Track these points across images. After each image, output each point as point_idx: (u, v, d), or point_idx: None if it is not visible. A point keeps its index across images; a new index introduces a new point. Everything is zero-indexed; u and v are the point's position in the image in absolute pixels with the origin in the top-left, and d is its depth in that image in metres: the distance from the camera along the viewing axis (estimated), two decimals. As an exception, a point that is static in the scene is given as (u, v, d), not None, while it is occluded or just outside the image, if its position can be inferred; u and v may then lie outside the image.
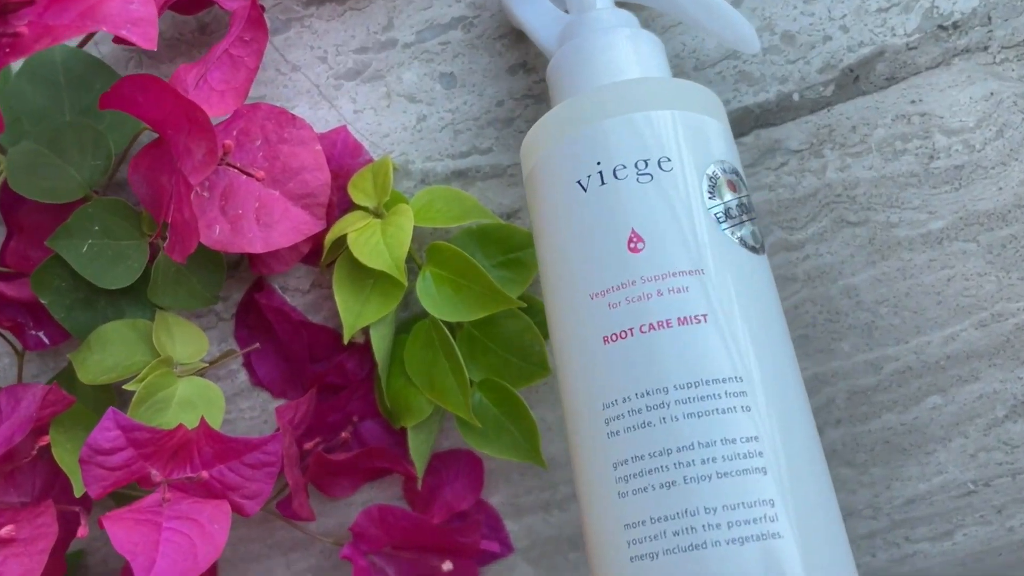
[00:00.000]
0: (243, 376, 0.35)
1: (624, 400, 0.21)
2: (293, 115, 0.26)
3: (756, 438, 0.21)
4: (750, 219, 0.25)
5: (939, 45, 0.31)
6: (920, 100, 0.31)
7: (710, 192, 0.24)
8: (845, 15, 0.31)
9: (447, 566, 0.32)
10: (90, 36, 0.30)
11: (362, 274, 0.31)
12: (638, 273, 0.22)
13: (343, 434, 0.33)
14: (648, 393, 0.21)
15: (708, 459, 0.20)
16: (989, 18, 0.31)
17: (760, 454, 0.21)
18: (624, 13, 0.27)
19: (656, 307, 0.22)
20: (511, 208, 0.33)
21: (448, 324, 0.31)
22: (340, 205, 0.32)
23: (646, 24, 0.30)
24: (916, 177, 0.32)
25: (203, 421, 0.25)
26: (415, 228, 0.33)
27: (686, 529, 0.20)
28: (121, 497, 0.28)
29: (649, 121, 0.24)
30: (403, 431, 0.34)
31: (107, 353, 0.28)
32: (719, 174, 0.24)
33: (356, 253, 0.29)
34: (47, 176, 0.28)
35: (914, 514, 0.35)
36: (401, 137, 0.33)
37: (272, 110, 0.26)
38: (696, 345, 0.22)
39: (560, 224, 0.24)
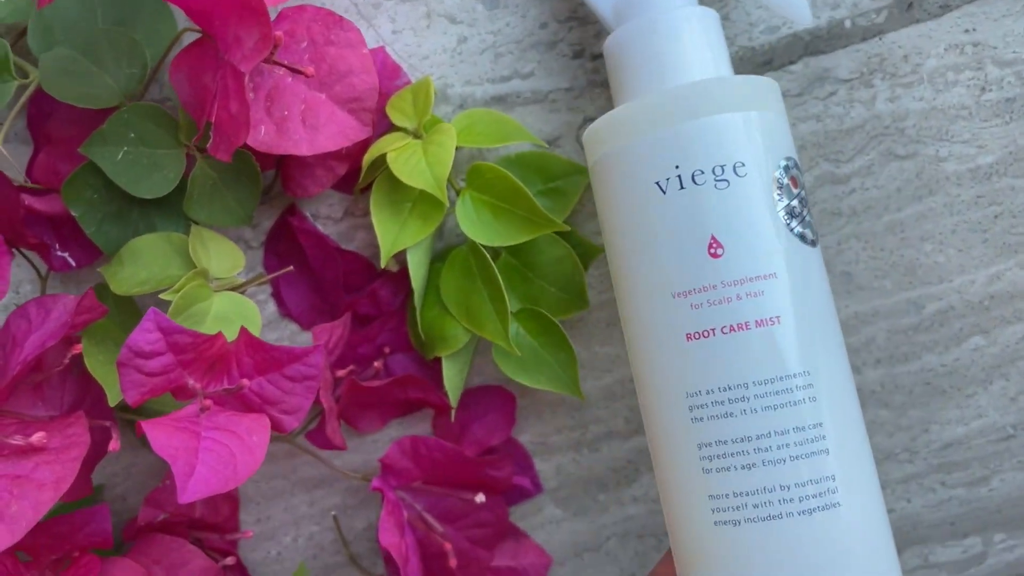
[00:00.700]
0: (271, 307, 0.34)
1: (707, 392, 0.24)
2: (340, 17, 0.25)
3: (820, 424, 0.24)
4: (808, 212, 0.26)
5: (994, -26, 0.30)
6: (974, 29, 0.31)
7: (778, 193, 0.25)
8: (899, -58, 0.31)
9: (480, 498, 0.32)
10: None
11: (400, 196, 0.30)
12: (719, 278, 0.25)
13: (375, 364, 0.32)
14: (730, 388, 0.24)
15: (783, 445, 0.24)
16: (1046, -53, 0.30)
17: (824, 438, 0.24)
18: None
19: (736, 310, 0.24)
20: (552, 135, 0.32)
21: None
22: (377, 127, 0.31)
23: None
24: (967, 109, 0.31)
25: (243, 330, 0.25)
26: (455, 158, 0.33)
27: (764, 503, 0.24)
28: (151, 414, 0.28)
29: (724, 125, 0.25)
30: (435, 365, 0.33)
31: (140, 266, 0.27)
32: (785, 172, 0.26)
33: (396, 172, 0.29)
34: (81, 82, 0.27)
35: (951, 458, 0.34)
36: (440, 59, 0.32)
37: (319, 12, 0.25)
38: (772, 345, 0.24)
39: (638, 224, 0.26)
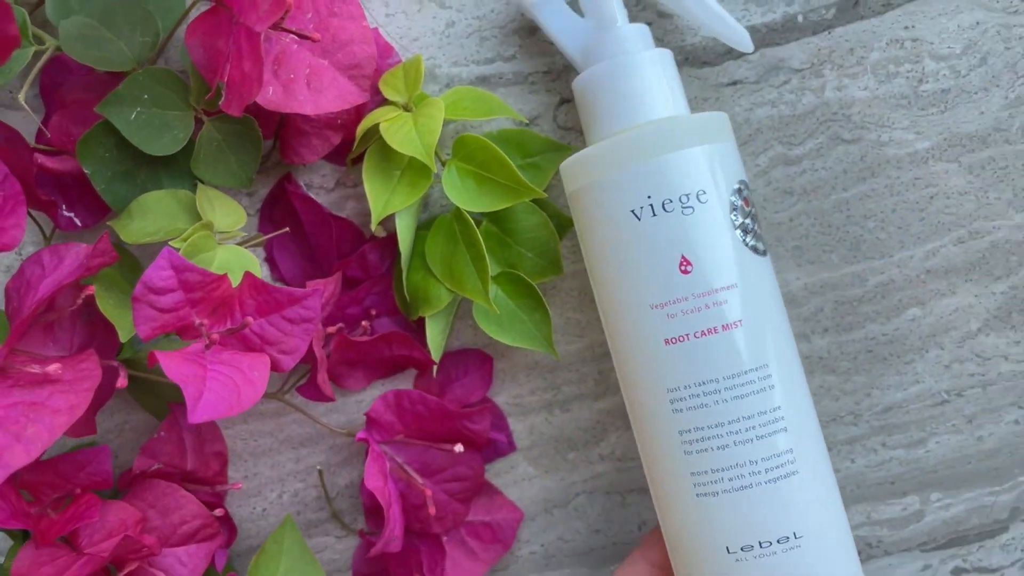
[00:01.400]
0: (265, 271, 0.37)
1: (685, 387, 0.29)
2: (343, -9, 0.28)
3: (778, 408, 0.29)
4: (758, 226, 0.31)
5: (931, -22, 0.34)
6: (913, 26, 0.34)
7: (733, 213, 0.30)
8: (846, -53, 0.34)
9: (458, 448, 0.34)
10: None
11: (391, 165, 0.33)
12: (689, 291, 0.29)
13: (363, 323, 0.35)
14: (704, 383, 0.29)
15: (750, 427, 0.29)
16: (976, -44, 0.34)
17: (782, 419, 0.29)
18: (641, 28, 0.31)
19: (705, 317, 0.29)
20: (531, 114, 0.35)
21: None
22: (370, 104, 0.33)
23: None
24: (906, 99, 0.34)
25: (248, 274, 0.27)
26: (441, 131, 0.35)
27: (737, 476, 0.29)
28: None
29: (687, 159, 0.29)
30: (418, 327, 0.36)
31: (148, 220, 0.29)
32: (738, 196, 0.30)
33: (388, 140, 0.31)
34: (98, 47, 0.29)
35: (891, 421, 0.37)
36: (430, 41, 0.34)
37: (323, -14, 0.28)
38: (736, 345, 0.29)
39: (617, 247, 0.30)
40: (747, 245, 0.30)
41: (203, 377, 0.25)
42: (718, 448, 0.29)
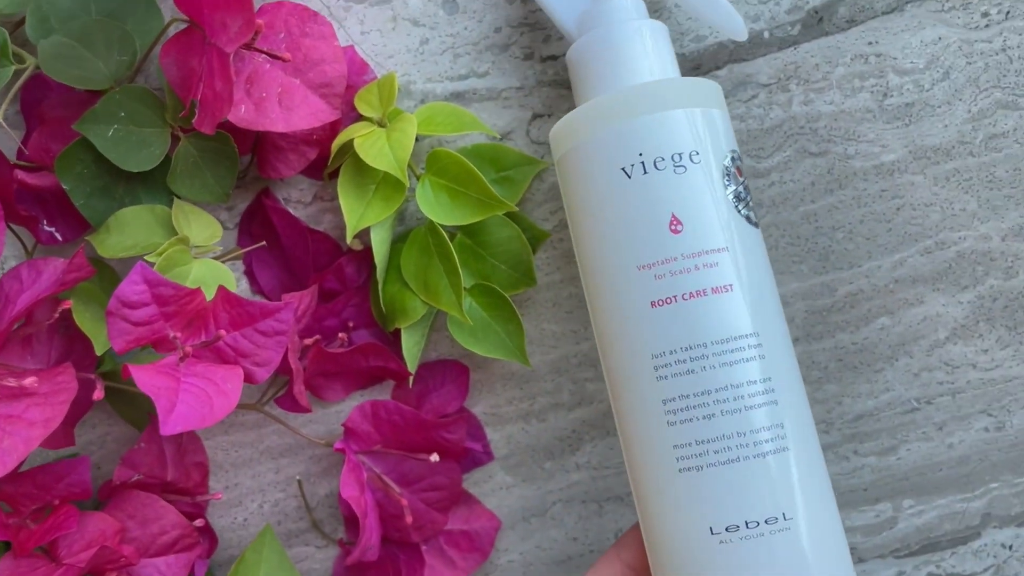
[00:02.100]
0: (244, 284, 0.37)
1: (671, 352, 0.27)
2: (314, 12, 0.29)
3: (770, 379, 0.28)
4: (750, 198, 0.30)
5: (894, -5, 0.35)
6: (876, 42, 0.35)
7: (726, 179, 0.29)
8: (812, -35, 0.35)
9: (434, 457, 0.34)
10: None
11: (365, 179, 0.33)
12: (679, 251, 0.28)
13: (340, 335, 0.35)
14: (691, 348, 0.27)
15: (739, 396, 0.27)
16: (938, -27, 0.35)
17: (773, 390, 0.28)
18: (636, 1, 0.31)
19: (695, 279, 0.28)
20: (504, 129, 0.36)
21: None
22: (345, 119, 0.34)
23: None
24: (871, 113, 0.35)
25: (221, 287, 0.27)
26: (416, 146, 0.36)
27: (724, 448, 0.27)
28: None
29: (681, 119, 0.28)
30: (395, 339, 0.36)
31: (125, 234, 0.30)
32: (731, 163, 0.29)
33: (362, 155, 0.32)
34: (76, 66, 0.29)
35: (862, 429, 0.38)
36: (404, 59, 0.35)
37: (295, 7, 0.28)
38: (727, 309, 0.28)
39: (605, 205, 0.29)
40: (740, 213, 0.29)
41: (176, 389, 0.25)
42: (703, 418, 0.27)
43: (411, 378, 0.35)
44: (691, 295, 0.27)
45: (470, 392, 0.38)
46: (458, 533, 0.39)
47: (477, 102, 0.35)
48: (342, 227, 0.37)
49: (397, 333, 0.36)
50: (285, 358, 0.33)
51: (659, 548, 0.29)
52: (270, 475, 0.39)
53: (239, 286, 0.37)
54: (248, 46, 0.26)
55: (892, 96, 0.35)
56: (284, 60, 0.27)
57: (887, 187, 0.36)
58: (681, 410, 0.27)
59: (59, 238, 0.34)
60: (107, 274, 0.32)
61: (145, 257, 0.29)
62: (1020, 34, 0.35)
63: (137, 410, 0.36)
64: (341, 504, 0.39)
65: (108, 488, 0.35)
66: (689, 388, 0.27)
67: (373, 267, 0.35)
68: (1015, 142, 0.35)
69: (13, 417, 0.26)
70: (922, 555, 0.39)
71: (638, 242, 0.28)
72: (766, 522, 0.26)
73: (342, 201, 0.33)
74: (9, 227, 0.34)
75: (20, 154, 0.34)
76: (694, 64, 0.35)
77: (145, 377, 0.25)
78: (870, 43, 0.35)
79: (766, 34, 0.35)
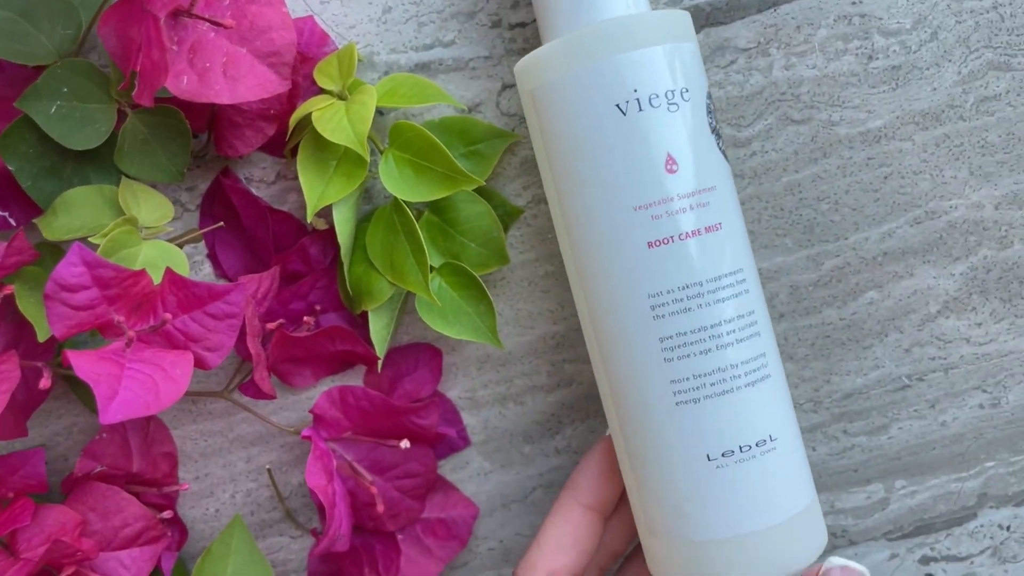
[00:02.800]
0: (207, 268, 0.36)
1: (668, 292, 0.28)
2: (261, -23, 0.27)
3: (753, 311, 0.29)
4: (720, 129, 0.30)
5: (879, -48, 0.33)
6: (860, 1, 0.33)
7: (709, 115, 0.29)
8: (792, -78, 0.33)
9: (404, 444, 0.33)
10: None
11: (326, 155, 0.32)
12: (675, 191, 0.28)
13: (305, 319, 0.34)
14: (688, 287, 0.28)
15: (731, 331, 0.28)
16: (925, -72, 0.33)
17: (756, 322, 0.29)
18: None
19: (690, 219, 0.28)
20: (473, 101, 0.34)
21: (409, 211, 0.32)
22: (306, 93, 0.33)
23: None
24: (856, 77, 0.33)
25: (168, 270, 0.26)
26: (381, 120, 0.34)
27: (719, 380, 0.28)
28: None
29: (674, 53, 0.28)
30: (365, 322, 0.35)
31: (73, 216, 0.29)
32: (709, 97, 0.29)
33: (320, 129, 0.30)
34: (19, 41, 0.28)
35: (852, 408, 0.37)
36: (366, 28, 0.34)
37: (240, -28, 0.27)
38: (718, 247, 0.28)
39: (598, 143, 0.28)
40: (719, 147, 0.29)
41: (118, 376, 0.24)
42: (700, 353, 0.28)
43: (379, 362, 0.34)
44: (687, 235, 0.28)
45: (445, 376, 0.37)
46: (435, 521, 0.37)
47: (444, 73, 0.34)
48: (306, 206, 0.35)
49: (366, 316, 0.35)
50: (246, 342, 0.31)
51: (656, 478, 0.29)
52: (241, 464, 0.38)
53: (203, 270, 0.36)
54: (189, 13, 0.25)
55: (878, 59, 0.33)
56: (226, 27, 0.25)
57: (874, 155, 0.34)
58: (678, 347, 0.28)
59: (12, 223, 0.33)
60: (56, 258, 0.31)
61: (89, 239, 0.27)
62: (1012, -9, 0.33)
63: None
64: (312, 493, 0.37)
65: (70, 480, 0.34)
66: (686, 326, 0.28)
67: (339, 247, 0.34)
68: (1008, 105, 0.33)
69: (-49, 407, 0.24)
70: (916, 537, 0.38)
71: (635, 183, 0.28)
72: (757, 445, 0.28)
73: (302, 178, 0.32)
74: (-40, 212, 0.33)
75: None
76: (669, 29, 0.34)
77: (84, 363, 0.24)
78: (854, 3, 0.33)
79: (744, -4, 0.33)
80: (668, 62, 0.28)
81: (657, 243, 0.28)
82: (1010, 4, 0.33)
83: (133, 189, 0.29)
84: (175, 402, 0.25)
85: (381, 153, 0.33)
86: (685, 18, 0.29)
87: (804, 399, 0.37)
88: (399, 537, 0.37)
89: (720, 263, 0.28)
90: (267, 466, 0.38)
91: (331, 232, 0.34)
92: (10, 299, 0.27)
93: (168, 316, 0.26)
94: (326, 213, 0.34)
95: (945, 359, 0.36)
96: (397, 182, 0.32)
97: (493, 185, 0.35)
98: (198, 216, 0.35)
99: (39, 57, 0.29)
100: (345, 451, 0.35)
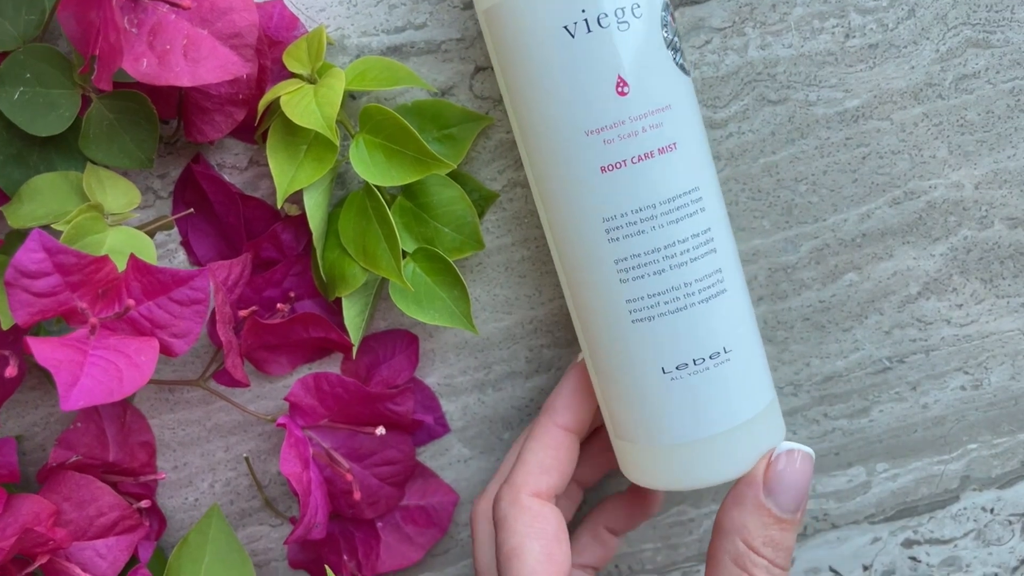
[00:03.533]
0: (182, 256, 0.36)
1: (622, 215, 0.28)
2: (222, -43, 0.27)
3: (709, 229, 0.29)
4: (681, 43, 0.29)
5: (855, -72, 0.32)
6: (836, -21, 0.33)
7: (664, 29, 0.28)
8: (767, -101, 0.33)
9: (380, 431, 0.33)
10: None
11: (296, 139, 0.32)
12: (626, 114, 0.27)
13: (279, 306, 0.34)
14: (641, 209, 0.28)
15: (685, 251, 0.28)
16: (902, -97, 0.32)
17: (712, 240, 0.29)
18: None
19: (642, 141, 0.27)
20: (445, 84, 0.34)
21: (382, 197, 0.32)
22: (276, 78, 0.32)
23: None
24: (833, 56, 0.33)
25: (132, 256, 0.26)
26: (353, 104, 0.34)
27: (673, 299, 0.28)
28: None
29: None
30: (340, 309, 0.35)
31: (38, 203, 0.28)
32: (665, 9, 0.28)
33: (288, 113, 0.30)
34: (-21, 26, 0.28)
35: (832, 391, 0.36)
36: (337, 11, 0.33)
37: (201, -47, 0.26)
38: (672, 168, 0.28)
39: (548, 67, 0.28)
40: (676, 63, 0.28)
41: (80, 363, 0.24)
42: (654, 274, 0.28)
43: (354, 349, 0.34)
44: (639, 158, 0.28)
45: (422, 363, 0.37)
46: (415, 508, 0.37)
47: (416, 56, 0.34)
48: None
49: (340, 302, 0.34)
50: (216, 331, 0.31)
51: (613, 392, 0.30)
52: (220, 453, 0.38)
53: (177, 258, 0.36)
54: (148, -8, 0.24)
55: (854, 37, 0.33)
56: (184, 7, 0.25)
57: (852, 135, 0.34)
58: (633, 268, 0.28)
59: (-18, 212, 0.33)
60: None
61: (53, 225, 0.27)
62: (991, -34, 0.32)
63: (73, 389, 0.34)
64: (290, 482, 0.37)
65: (45, 470, 0.34)
66: (640, 248, 0.28)
67: (311, 234, 0.33)
68: (987, 83, 0.33)
69: (-87, 396, 0.24)
70: (898, 520, 0.38)
71: (585, 107, 0.27)
72: (710, 357, 0.28)
73: (271, 163, 0.31)
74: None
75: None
76: (643, 9, 0.33)
77: (46, 350, 0.23)
78: (830, -20, 0.33)
79: (718, -26, 0.33)
80: None
81: (609, 167, 0.27)
82: (988, -20, 0.32)
83: (99, 175, 0.29)
84: (140, 388, 0.25)
85: (352, 138, 0.32)
86: None
87: (784, 382, 0.36)
88: (379, 525, 0.37)
89: (674, 184, 0.28)
90: (245, 455, 0.37)
91: (304, 218, 0.34)
92: (-25, 288, 0.27)
93: (131, 302, 0.25)
94: (298, 199, 0.33)
95: (926, 341, 0.36)
96: (368, 167, 0.31)
97: (468, 169, 0.35)
98: (171, 203, 0.35)
99: (3, 43, 0.28)
100: (322, 439, 0.35)
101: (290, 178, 0.31)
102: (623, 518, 0.35)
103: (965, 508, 0.38)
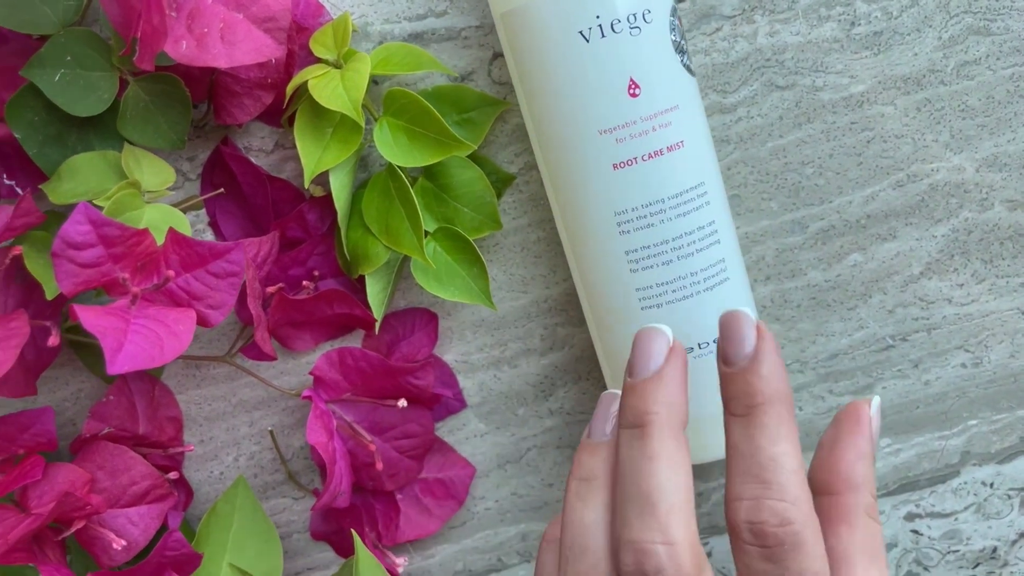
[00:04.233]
0: (209, 235, 0.37)
1: (632, 209, 0.30)
2: (256, -55, 0.28)
3: (713, 221, 0.31)
4: (687, 44, 0.31)
5: (861, -81, 0.34)
6: (842, -31, 0.34)
7: (672, 32, 0.30)
8: None
9: (402, 403, 0.34)
10: None
11: (322, 122, 0.33)
12: (637, 114, 0.29)
13: (304, 283, 0.35)
14: (650, 204, 0.30)
15: (691, 242, 0.30)
16: None
17: (716, 231, 0.31)
18: None
19: (652, 140, 0.30)
20: (465, 70, 0.35)
21: (404, 177, 0.33)
22: (302, 63, 0.34)
23: None
24: (839, 43, 0.34)
25: (171, 229, 0.27)
26: (376, 89, 0.35)
27: (680, 288, 0.31)
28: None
29: None
30: (362, 286, 0.36)
31: (77, 181, 0.30)
32: (673, 14, 0.30)
33: (316, 96, 0.31)
34: (22, 11, 0.29)
35: (837, 368, 0.38)
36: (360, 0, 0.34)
37: (237, -59, 0.28)
38: (679, 165, 0.30)
39: (563, 70, 0.30)
40: (683, 65, 0.30)
41: (124, 330, 0.25)
42: (662, 264, 0.30)
43: (377, 325, 0.35)
44: (650, 156, 0.29)
45: (441, 340, 0.38)
46: (433, 481, 0.39)
47: (436, 43, 0.35)
48: (303, 175, 0.36)
49: (364, 280, 0.36)
50: (247, 306, 0.32)
51: (621, 376, 0.31)
52: (244, 428, 0.39)
53: (205, 238, 0.37)
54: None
55: (860, 24, 0.34)
56: (222, -8, 0.26)
57: (857, 119, 0.35)
58: (643, 259, 0.30)
59: (19, 191, 0.34)
60: (61, 221, 0.32)
61: (94, 202, 0.28)
62: (991, -43, 0.34)
63: (104, 363, 0.36)
64: (313, 454, 0.39)
65: (79, 442, 0.35)
66: (649, 240, 0.30)
67: (336, 213, 0.35)
68: (987, 69, 0.34)
69: (-36, 361, 0.26)
70: (900, 494, 0.39)
71: (599, 108, 0.29)
72: (714, 341, 0.30)
73: (299, 145, 0.33)
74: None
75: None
76: None
77: (92, 317, 0.25)
78: (836, -30, 0.34)
79: (729, -36, 0.34)
80: None
81: (621, 164, 0.29)
82: (989, -30, 0.34)
83: (136, 154, 0.30)
84: (179, 356, 0.26)
85: (376, 121, 0.34)
86: None
87: (790, 359, 0.38)
88: (398, 497, 0.38)
89: (682, 179, 0.30)
90: (269, 428, 0.39)
91: (329, 199, 0.35)
92: (19, 260, 0.28)
93: (171, 274, 0.27)
94: (323, 180, 0.35)
95: (928, 319, 0.37)
96: (392, 148, 0.33)
97: (485, 152, 0.36)
98: (199, 185, 0.36)
99: (43, 27, 0.30)
100: (345, 412, 0.36)
101: (317, 159, 0.33)
102: None
103: (965, 483, 0.39)
